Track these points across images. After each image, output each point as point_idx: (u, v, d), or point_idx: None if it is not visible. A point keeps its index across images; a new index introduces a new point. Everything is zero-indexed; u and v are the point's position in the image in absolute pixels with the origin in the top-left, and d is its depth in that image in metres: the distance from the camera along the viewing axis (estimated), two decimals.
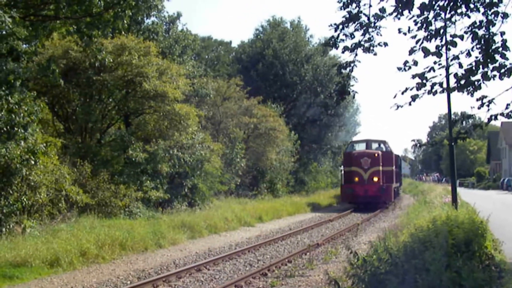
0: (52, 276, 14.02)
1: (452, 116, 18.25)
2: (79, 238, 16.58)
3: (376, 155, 41.04)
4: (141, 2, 20.69)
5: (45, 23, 19.67)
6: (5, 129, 15.81)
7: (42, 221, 18.77)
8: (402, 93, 8.40)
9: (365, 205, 40.13)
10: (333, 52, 64.49)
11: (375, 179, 40.32)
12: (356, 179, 40.61)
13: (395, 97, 8.50)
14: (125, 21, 19.37)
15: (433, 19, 8.09)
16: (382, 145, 44.97)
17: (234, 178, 37.42)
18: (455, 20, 8.19)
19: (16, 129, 15.97)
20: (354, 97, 11.73)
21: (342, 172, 45.05)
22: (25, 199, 17.81)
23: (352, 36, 8.89)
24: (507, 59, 7.99)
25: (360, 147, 44.67)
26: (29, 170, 17.89)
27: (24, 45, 17.95)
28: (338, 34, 8.92)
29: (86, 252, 15.90)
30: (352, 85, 9.45)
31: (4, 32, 14.46)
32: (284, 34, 62.76)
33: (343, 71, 9.20)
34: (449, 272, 8.84)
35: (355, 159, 41.15)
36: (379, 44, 8.79)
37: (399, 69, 8.38)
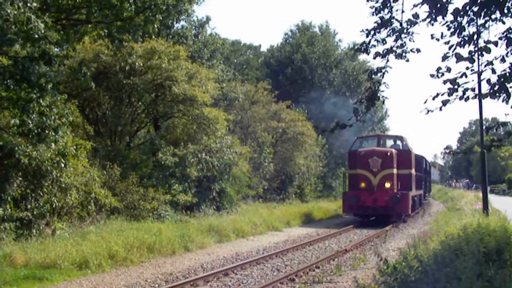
0: (81, 278, 14.12)
1: (484, 123, 18.07)
2: (107, 241, 16.68)
3: (388, 153, 32.12)
4: (171, 6, 20.80)
5: (76, 27, 19.90)
6: (36, 131, 15.97)
7: (72, 223, 18.94)
8: (433, 99, 8.29)
9: (374, 218, 33.20)
10: (362, 56, 64.46)
11: (387, 185, 31.67)
12: (363, 184, 32.08)
13: (425, 102, 8.40)
14: (155, 25, 19.53)
15: (467, 25, 7.99)
16: (398, 142, 35.63)
17: (262, 183, 37.42)
18: (489, 26, 8.09)
19: (47, 131, 16.12)
20: (384, 103, 11.64)
21: (346, 176, 35.90)
22: (55, 201, 17.99)
23: (384, 42, 8.82)
24: None
25: (369, 144, 34.90)
26: (60, 172, 18.05)
27: (56, 49, 18.12)
28: (370, 40, 8.86)
29: (114, 254, 16.01)
30: (383, 91, 9.37)
31: (36, 36, 14.61)
32: (313, 39, 62.79)
33: (374, 76, 9.13)
34: (481, 281, 8.73)
35: (362, 159, 32.30)
36: (411, 50, 8.70)
37: (432, 76, 8.26)
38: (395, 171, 32.20)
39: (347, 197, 32.74)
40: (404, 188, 32.63)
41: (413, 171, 34.64)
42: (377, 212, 31.71)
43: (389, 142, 35.95)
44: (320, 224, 32.00)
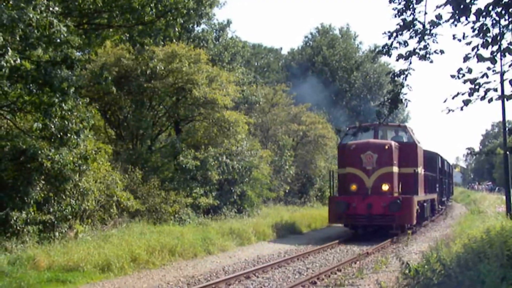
0: (103, 281, 14.18)
1: (507, 124, 17.89)
2: (130, 244, 16.74)
3: (386, 147, 25.30)
4: (192, 10, 20.86)
5: (98, 31, 20.02)
6: (58, 135, 16.07)
7: (94, 226, 19.06)
8: (453, 98, 8.23)
9: (369, 230, 26.27)
10: (383, 59, 64.30)
11: (385, 187, 25.00)
12: (353, 187, 25.34)
13: (445, 101, 8.35)
14: (176, 29, 19.60)
15: (490, 26, 7.92)
16: (401, 133, 28.34)
17: (282, 185, 37.35)
18: None
19: (68, 135, 16.21)
20: (406, 106, 11.59)
21: (332, 175, 29.06)
22: (77, 205, 18.10)
23: (406, 44, 8.78)
24: None
25: (364, 136, 26.65)
26: (81, 176, 18.17)
27: (78, 53, 18.28)
28: (392, 42, 8.82)
29: (136, 257, 16.05)
30: (405, 94, 9.32)
31: (59, 41, 14.72)
32: (334, 41, 62.84)
33: (396, 79, 9.09)
34: (505, 285, 8.64)
35: (352, 154, 25.54)
36: (435, 51, 8.64)
37: (453, 76, 8.21)
38: (395, 169, 25.58)
39: (333, 203, 25.77)
40: (408, 191, 25.78)
41: (420, 170, 27.65)
42: (372, 222, 24.96)
43: (390, 134, 28.17)
44: (342, 227, 31.80)
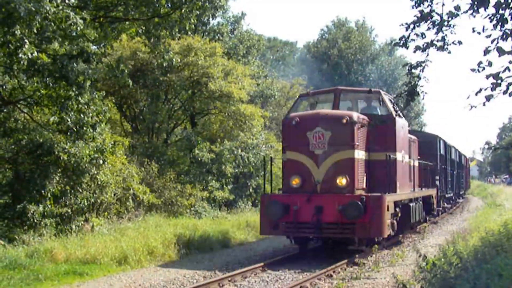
0: (120, 273, 14.22)
1: None
2: (146, 237, 16.82)
3: (345, 121, 16.19)
4: (208, 2, 20.83)
5: (114, 25, 20.05)
6: (75, 128, 16.15)
7: (110, 219, 19.15)
8: (476, 94, 8.18)
9: (322, 245, 18.89)
10: (399, 52, 64.11)
11: (342, 181, 16.16)
12: (295, 181, 16.63)
13: (468, 97, 8.30)
14: (192, 21, 19.60)
15: (509, 17, 7.85)
16: (374, 103, 18.91)
17: None
18: None
19: (85, 128, 16.29)
20: (423, 98, 11.52)
21: (268, 163, 20.28)
22: (93, 198, 18.21)
23: (424, 36, 8.72)
24: None
25: (319, 107, 19.01)
26: (98, 169, 18.26)
27: (94, 47, 18.32)
28: (409, 34, 8.77)
29: (153, 250, 16.12)
30: (422, 86, 9.26)
31: (75, 34, 14.76)
32: (349, 34, 62.64)
33: (413, 71, 9.03)
34: None
35: (295, 132, 16.90)
36: (453, 42, 8.59)
37: (473, 70, 8.15)
38: (359, 154, 16.76)
39: (267, 205, 16.73)
40: (379, 186, 16.98)
41: (401, 156, 18.59)
42: (321, 234, 16.33)
43: (361, 104, 19.68)
44: None
